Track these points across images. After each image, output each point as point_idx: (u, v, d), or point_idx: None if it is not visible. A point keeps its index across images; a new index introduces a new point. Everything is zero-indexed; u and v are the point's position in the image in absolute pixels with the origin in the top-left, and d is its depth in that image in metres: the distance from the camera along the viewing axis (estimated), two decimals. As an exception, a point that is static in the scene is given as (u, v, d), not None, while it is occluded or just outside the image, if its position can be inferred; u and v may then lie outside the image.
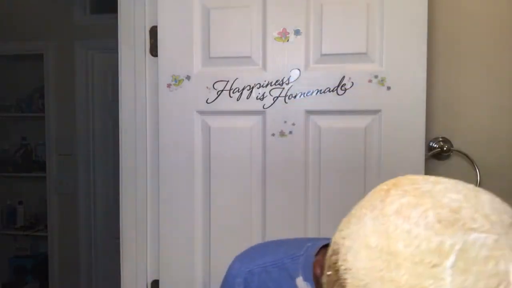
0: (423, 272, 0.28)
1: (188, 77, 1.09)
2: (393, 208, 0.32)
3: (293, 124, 1.06)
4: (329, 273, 0.36)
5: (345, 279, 0.33)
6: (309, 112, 1.06)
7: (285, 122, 1.06)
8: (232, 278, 0.59)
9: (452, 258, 0.27)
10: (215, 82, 1.08)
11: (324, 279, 0.38)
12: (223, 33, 1.08)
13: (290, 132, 1.06)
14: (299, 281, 0.54)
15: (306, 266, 0.54)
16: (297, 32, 1.05)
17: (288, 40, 1.06)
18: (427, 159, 1.09)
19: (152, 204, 1.18)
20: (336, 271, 0.34)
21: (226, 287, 0.60)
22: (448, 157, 1.14)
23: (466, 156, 1.12)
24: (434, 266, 0.27)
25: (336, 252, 0.35)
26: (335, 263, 0.35)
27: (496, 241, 0.28)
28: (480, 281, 0.27)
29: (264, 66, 1.07)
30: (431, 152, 1.12)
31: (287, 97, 1.06)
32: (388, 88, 1.02)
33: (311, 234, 1.05)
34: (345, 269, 0.33)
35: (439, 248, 0.28)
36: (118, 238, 1.22)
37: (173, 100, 1.10)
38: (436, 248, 0.28)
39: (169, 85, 1.10)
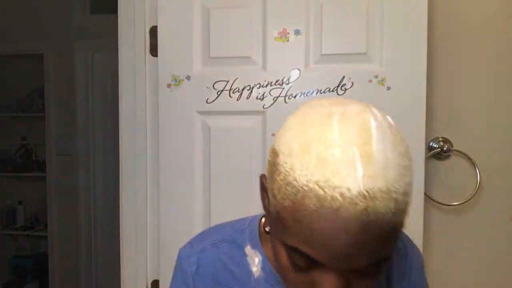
0: (322, 123, 0.41)
1: (188, 77, 1.09)
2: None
3: (293, 124, 1.06)
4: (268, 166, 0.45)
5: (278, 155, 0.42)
6: (309, 112, 1.06)
7: (285, 122, 1.06)
8: (185, 259, 0.62)
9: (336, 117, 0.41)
10: (215, 82, 1.08)
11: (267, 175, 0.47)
12: (223, 33, 1.08)
13: (290, 132, 1.06)
14: (248, 249, 0.59)
15: (252, 235, 0.60)
16: (297, 32, 1.05)
17: (288, 40, 1.06)
18: (427, 159, 1.09)
19: (152, 204, 1.18)
20: (274, 154, 0.44)
21: (179, 271, 0.62)
22: (448, 157, 1.14)
23: (466, 156, 1.12)
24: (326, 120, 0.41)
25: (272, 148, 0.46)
26: (273, 152, 0.45)
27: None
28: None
29: (264, 66, 1.07)
30: (431, 152, 1.12)
31: (287, 97, 1.06)
32: (388, 88, 1.02)
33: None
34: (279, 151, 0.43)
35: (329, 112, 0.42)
36: (118, 238, 1.22)
37: (173, 100, 1.10)
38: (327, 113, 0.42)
39: (169, 85, 1.10)
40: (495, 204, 1.14)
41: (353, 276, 0.40)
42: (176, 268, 0.62)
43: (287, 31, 1.06)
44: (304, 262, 0.41)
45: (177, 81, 1.10)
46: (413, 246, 0.64)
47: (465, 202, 1.11)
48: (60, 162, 2.79)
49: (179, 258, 0.62)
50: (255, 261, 0.58)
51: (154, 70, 1.15)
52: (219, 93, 1.08)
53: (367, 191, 0.37)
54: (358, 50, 1.04)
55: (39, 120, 2.83)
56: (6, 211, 3.04)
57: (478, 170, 1.11)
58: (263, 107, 1.07)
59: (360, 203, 0.36)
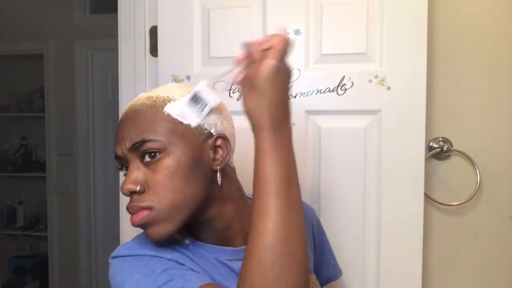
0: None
1: (188, 77, 1.09)
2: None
3: (293, 124, 1.05)
4: None
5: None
6: (309, 112, 1.06)
7: (285, 122, 1.06)
8: (120, 250, 0.61)
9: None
10: (215, 82, 1.08)
11: None
12: (223, 33, 1.08)
13: (290, 132, 1.06)
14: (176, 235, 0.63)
15: None
16: (297, 32, 1.05)
17: (288, 40, 1.06)
18: (427, 159, 1.09)
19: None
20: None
21: (127, 257, 0.60)
22: (448, 157, 1.14)
23: (466, 156, 1.12)
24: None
25: None
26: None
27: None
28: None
29: (264, 66, 1.07)
30: (431, 152, 1.12)
31: (287, 97, 1.06)
32: (388, 88, 1.02)
33: (311, 234, 1.05)
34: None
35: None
36: (118, 238, 1.22)
37: (173, 100, 1.10)
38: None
39: (169, 85, 1.10)
40: (495, 204, 1.14)
41: (146, 171, 0.56)
42: (119, 263, 0.59)
43: (287, 31, 1.05)
44: (117, 163, 0.61)
45: (177, 81, 1.10)
46: (308, 208, 0.83)
47: (465, 202, 1.11)
48: (60, 162, 2.80)
49: (119, 254, 0.60)
50: (185, 239, 0.63)
51: (154, 70, 1.15)
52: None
53: (138, 98, 0.61)
54: (358, 50, 1.04)
55: (39, 120, 2.83)
56: (6, 211, 3.04)
57: (478, 170, 1.11)
58: (263, 107, 1.07)
59: (129, 104, 0.61)
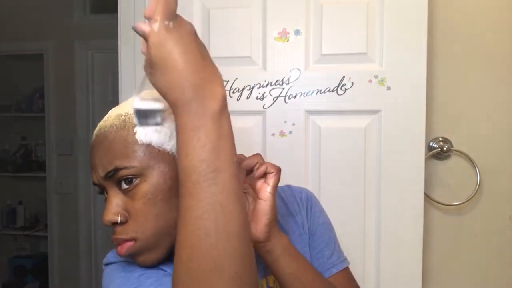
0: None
1: (188, 77, 1.09)
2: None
3: (293, 124, 1.06)
4: None
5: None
6: (309, 112, 1.06)
7: (285, 122, 1.06)
8: (110, 257, 0.61)
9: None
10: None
11: None
12: (223, 33, 1.08)
13: (290, 132, 1.06)
14: None
15: None
16: (297, 32, 1.06)
17: (288, 40, 1.06)
18: (427, 159, 1.09)
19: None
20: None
21: (113, 266, 0.60)
22: (448, 157, 1.14)
23: (466, 156, 1.12)
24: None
25: None
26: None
27: None
28: None
29: (264, 66, 1.07)
30: (431, 152, 1.12)
31: (287, 97, 1.06)
32: (388, 88, 1.02)
33: (311, 234, 1.05)
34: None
35: None
36: (118, 238, 1.21)
37: (173, 100, 1.10)
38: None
39: (169, 85, 1.10)
40: (495, 204, 1.14)
41: (125, 199, 0.53)
42: (111, 270, 0.59)
43: (287, 31, 1.06)
44: (97, 189, 0.57)
45: (177, 81, 1.10)
46: (300, 188, 0.76)
47: (465, 202, 1.11)
48: (60, 162, 2.80)
49: (109, 261, 0.60)
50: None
51: (154, 70, 1.15)
52: (219, 93, 1.08)
53: (107, 116, 0.57)
54: (358, 50, 1.04)
55: (39, 120, 2.83)
56: (6, 211, 3.04)
57: (478, 170, 1.11)
58: (263, 107, 1.07)
59: (98, 124, 0.56)
